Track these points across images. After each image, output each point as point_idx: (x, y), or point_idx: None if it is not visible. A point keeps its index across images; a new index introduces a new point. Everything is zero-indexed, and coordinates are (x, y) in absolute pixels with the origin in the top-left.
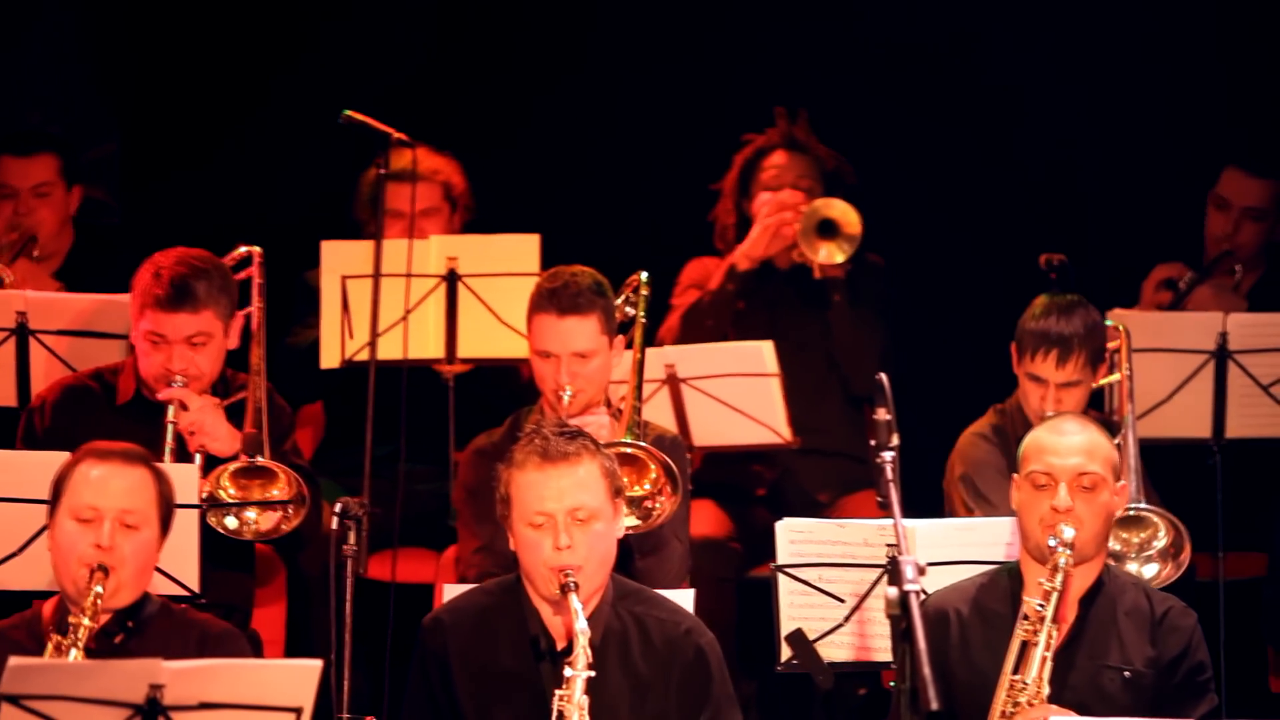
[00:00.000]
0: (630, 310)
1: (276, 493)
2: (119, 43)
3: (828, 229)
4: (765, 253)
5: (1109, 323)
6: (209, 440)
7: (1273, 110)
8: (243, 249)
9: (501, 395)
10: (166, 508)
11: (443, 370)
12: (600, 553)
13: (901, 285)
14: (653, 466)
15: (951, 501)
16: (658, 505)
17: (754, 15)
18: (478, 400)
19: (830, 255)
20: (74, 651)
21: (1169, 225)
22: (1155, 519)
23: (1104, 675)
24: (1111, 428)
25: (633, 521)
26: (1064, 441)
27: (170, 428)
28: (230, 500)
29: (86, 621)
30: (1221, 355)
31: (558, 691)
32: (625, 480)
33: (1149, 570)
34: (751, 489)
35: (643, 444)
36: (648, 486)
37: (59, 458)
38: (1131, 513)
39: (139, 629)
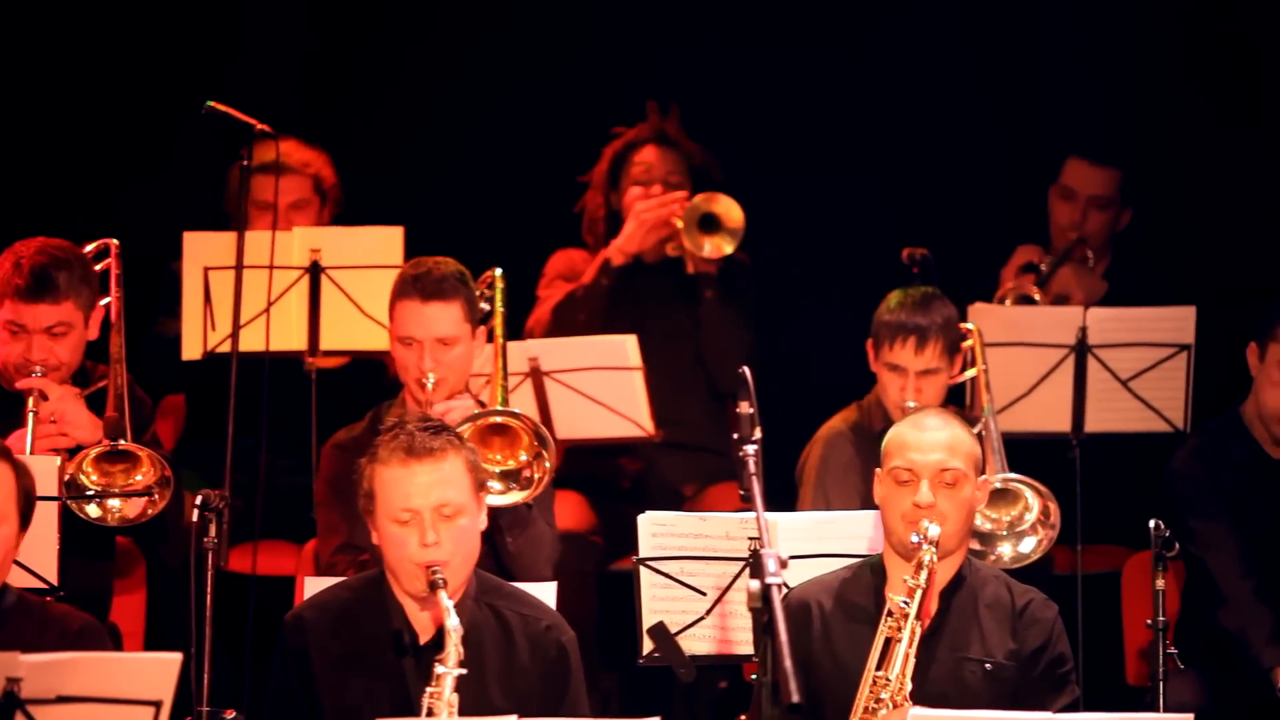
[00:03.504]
0: (485, 306)
1: (140, 477)
2: None
3: (710, 223)
4: (640, 247)
5: (967, 324)
6: (70, 429)
7: (1116, 98)
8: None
9: (363, 388)
10: (26, 501)
11: (309, 362)
12: (465, 548)
13: (765, 280)
14: (524, 435)
15: (800, 488)
16: (537, 473)
17: (621, 8)
18: (340, 393)
19: (717, 248)
20: None
21: (1014, 217)
22: (1023, 489)
23: (965, 667)
24: (972, 421)
25: (516, 495)
26: (926, 437)
27: (31, 417)
28: (93, 486)
29: None
30: (1081, 350)
31: (428, 689)
32: (500, 456)
33: (1027, 544)
34: (614, 482)
35: (515, 410)
36: (524, 456)
37: None
38: (998, 484)
39: None
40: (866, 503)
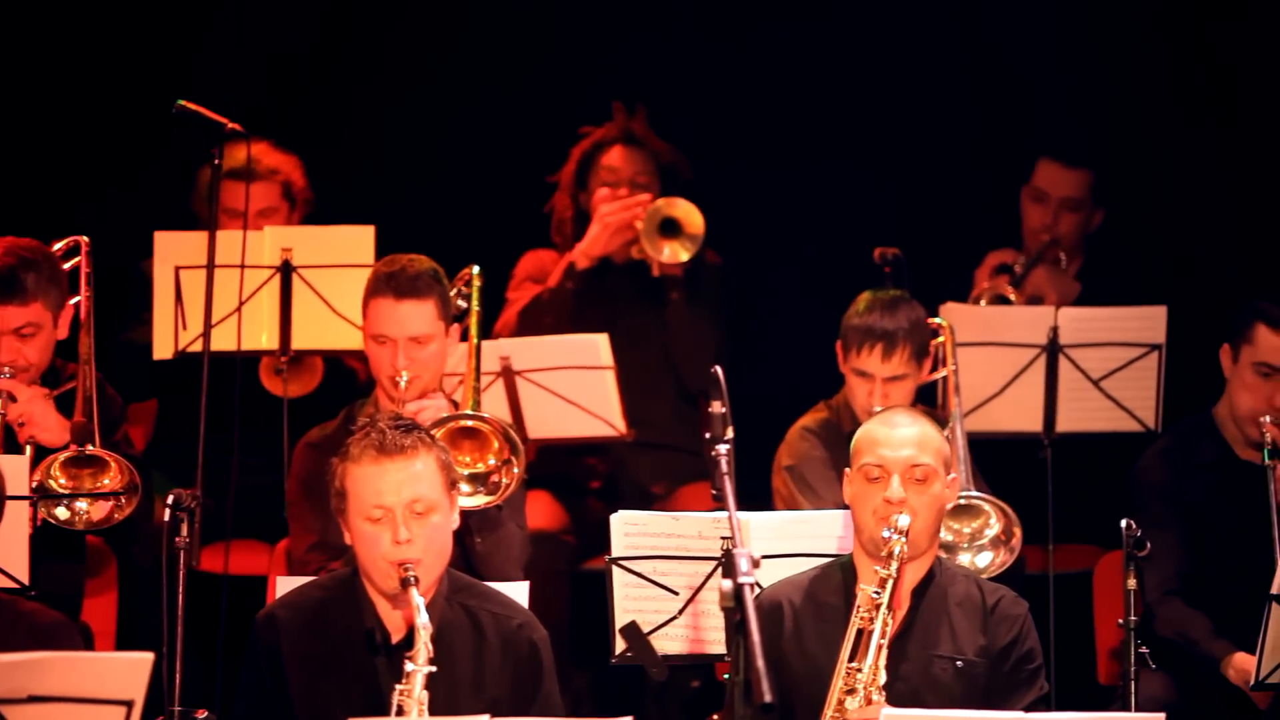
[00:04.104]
0: (463, 304)
1: (108, 482)
2: None
3: (670, 228)
4: (604, 250)
5: (939, 320)
6: (38, 431)
7: (1083, 99)
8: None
9: (336, 390)
10: None
11: (278, 380)
12: (438, 545)
13: (736, 279)
14: (494, 440)
15: (776, 493)
16: (505, 479)
17: (592, 7)
18: (311, 393)
19: (674, 254)
20: None
21: (986, 217)
22: (985, 506)
23: (936, 665)
24: (941, 422)
25: (483, 499)
26: (896, 434)
27: None
28: (61, 490)
29: None
30: (1053, 350)
31: (398, 686)
32: (469, 459)
33: (982, 559)
34: (586, 481)
35: (484, 415)
36: (492, 461)
37: None
38: (962, 501)
39: None
40: (840, 500)
